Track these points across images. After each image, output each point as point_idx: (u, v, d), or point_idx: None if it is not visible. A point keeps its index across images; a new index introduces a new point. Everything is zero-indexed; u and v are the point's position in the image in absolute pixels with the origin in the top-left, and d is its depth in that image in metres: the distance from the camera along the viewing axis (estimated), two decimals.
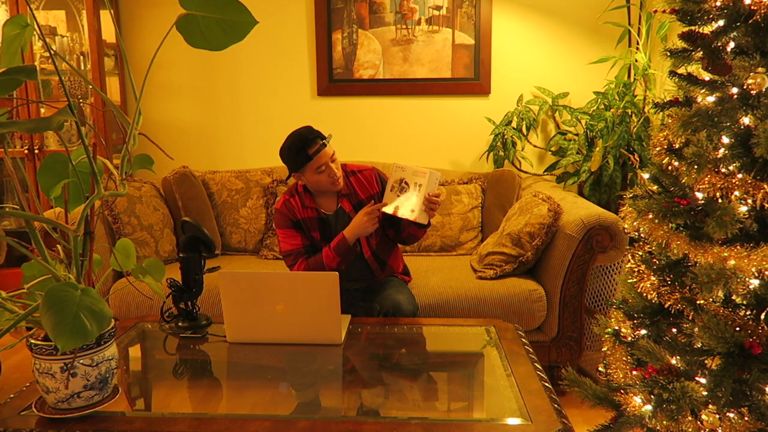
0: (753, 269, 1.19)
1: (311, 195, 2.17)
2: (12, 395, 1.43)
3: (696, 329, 1.29)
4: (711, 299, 1.30)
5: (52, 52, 1.26)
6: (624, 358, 1.53)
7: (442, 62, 3.26)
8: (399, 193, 2.04)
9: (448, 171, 3.21)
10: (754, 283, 1.25)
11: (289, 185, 2.25)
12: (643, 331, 1.50)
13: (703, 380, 1.30)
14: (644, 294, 1.45)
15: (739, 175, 1.27)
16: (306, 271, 2.11)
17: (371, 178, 2.22)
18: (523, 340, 1.76)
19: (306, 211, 2.16)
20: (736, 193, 1.25)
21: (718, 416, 1.25)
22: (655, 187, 1.50)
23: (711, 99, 1.34)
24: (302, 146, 2.02)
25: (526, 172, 3.26)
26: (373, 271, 2.23)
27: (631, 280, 1.53)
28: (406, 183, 2.02)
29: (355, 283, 2.24)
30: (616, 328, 1.58)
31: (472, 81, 3.26)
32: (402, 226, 2.16)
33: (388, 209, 2.04)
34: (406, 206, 2.01)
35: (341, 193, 2.17)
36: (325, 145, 2.03)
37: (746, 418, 1.23)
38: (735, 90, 1.30)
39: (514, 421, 1.31)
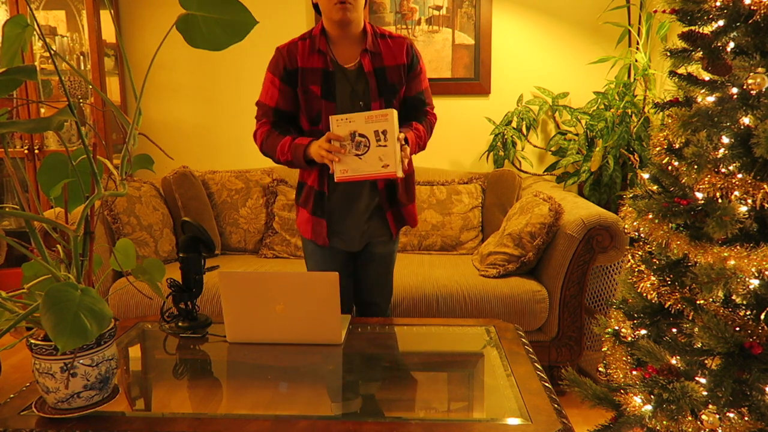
0: (753, 269, 1.19)
1: (327, 40, 1.88)
2: (12, 395, 1.43)
3: (696, 329, 1.29)
4: (711, 299, 1.30)
5: (52, 52, 1.26)
6: (624, 358, 1.54)
7: (442, 62, 3.26)
8: (356, 150, 1.66)
9: (448, 171, 3.21)
10: (754, 283, 1.25)
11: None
12: (643, 331, 1.50)
13: (703, 380, 1.30)
14: (644, 294, 1.45)
15: (739, 175, 1.27)
16: (258, 145, 1.96)
17: (402, 47, 1.92)
18: (523, 340, 1.76)
19: (312, 59, 1.87)
20: (736, 193, 1.25)
21: (718, 416, 1.25)
22: (655, 187, 1.51)
23: (711, 99, 1.35)
24: None
25: (526, 172, 3.26)
26: (388, 224, 2.00)
27: (631, 280, 1.53)
28: (362, 135, 1.65)
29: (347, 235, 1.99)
30: (616, 328, 1.59)
31: (472, 81, 3.26)
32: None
33: (346, 173, 1.68)
34: (374, 162, 1.66)
35: (366, 48, 1.87)
36: None
37: (746, 418, 1.23)
38: (735, 90, 1.30)
39: (514, 421, 1.31)
